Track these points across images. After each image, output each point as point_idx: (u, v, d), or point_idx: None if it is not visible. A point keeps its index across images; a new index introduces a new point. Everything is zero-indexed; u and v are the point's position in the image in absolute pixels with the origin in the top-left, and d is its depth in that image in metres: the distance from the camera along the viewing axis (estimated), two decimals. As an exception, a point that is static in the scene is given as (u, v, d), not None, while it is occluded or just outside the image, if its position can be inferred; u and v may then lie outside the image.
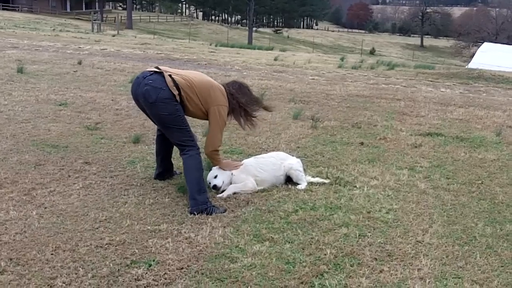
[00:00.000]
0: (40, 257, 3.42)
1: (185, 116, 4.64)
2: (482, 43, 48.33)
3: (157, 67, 4.67)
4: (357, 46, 75.89)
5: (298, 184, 5.08)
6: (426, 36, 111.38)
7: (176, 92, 4.47)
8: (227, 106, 4.72)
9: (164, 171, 5.11)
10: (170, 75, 4.53)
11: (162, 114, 4.47)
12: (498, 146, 7.21)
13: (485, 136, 7.83)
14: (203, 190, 4.41)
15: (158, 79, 4.48)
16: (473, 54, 42.23)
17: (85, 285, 3.14)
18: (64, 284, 3.13)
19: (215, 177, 4.86)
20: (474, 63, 31.74)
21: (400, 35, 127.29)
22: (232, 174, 4.91)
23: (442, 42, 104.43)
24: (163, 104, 4.42)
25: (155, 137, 5.24)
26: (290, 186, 5.07)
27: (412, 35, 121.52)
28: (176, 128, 4.52)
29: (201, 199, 4.34)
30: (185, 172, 4.54)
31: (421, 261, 3.63)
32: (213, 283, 3.24)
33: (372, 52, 64.22)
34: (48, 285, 3.11)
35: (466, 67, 28.55)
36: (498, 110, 10.48)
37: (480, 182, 5.55)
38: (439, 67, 24.36)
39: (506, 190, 5.34)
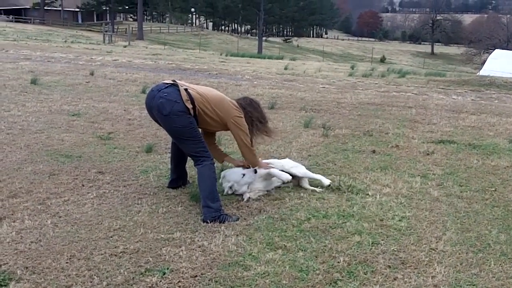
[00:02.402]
0: (56, 265, 3.46)
1: (200, 128, 4.73)
2: (493, 50, 48.05)
3: (173, 80, 4.70)
4: (367, 54, 75.91)
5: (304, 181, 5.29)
6: (437, 43, 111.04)
7: (190, 106, 4.50)
8: (242, 117, 4.76)
9: (178, 177, 5.13)
10: (186, 89, 4.57)
11: (175, 126, 4.50)
12: (511, 153, 7.16)
13: (497, 143, 7.78)
14: (216, 199, 4.43)
15: (173, 92, 4.51)
16: (484, 61, 41.92)
17: (100, 293, 3.16)
18: (79, 292, 3.16)
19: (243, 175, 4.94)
20: (486, 70, 31.51)
21: (410, 43, 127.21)
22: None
23: (452, 50, 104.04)
24: (177, 116, 4.45)
25: (170, 144, 5.28)
26: (302, 194, 5.07)
27: (422, 42, 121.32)
28: (190, 140, 4.54)
29: (215, 207, 4.36)
30: (199, 181, 4.55)
31: (435, 269, 3.62)
32: (227, 291, 3.25)
33: (382, 60, 64.16)
34: (63, 293, 3.14)
35: (478, 74, 28.34)
36: (511, 117, 10.41)
37: (493, 189, 5.52)
38: (450, 74, 24.24)
39: (520, 197, 5.30)
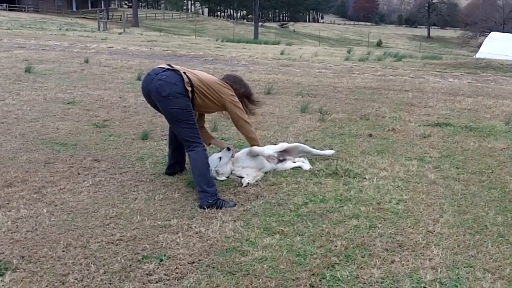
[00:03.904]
0: (52, 254, 3.44)
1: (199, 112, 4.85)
2: (489, 32, 47.90)
3: (169, 65, 4.73)
4: (363, 38, 75.61)
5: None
6: (433, 27, 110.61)
7: (189, 89, 4.56)
8: (235, 94, 4.88)
9: (175, 163, 5.14)
10: (184, 73, 4.62)
11: (173, 108, 4.51)
12: (507, 135, 7.16)
13: (494, 125, 7.78)
14: (211, 184, 4.44)
15: (172, 75, 4.56)
16: (481, 44, 41.80)
17: (97, 281, 3.15)
18: (76, 281, 3.14)
19: (220, 158, 5.03)
20: (482, 53, 31.43)
21: (406, 27, 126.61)
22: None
23: (449, 33, 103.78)
24: (175, 98, 4.48)
25: (166, 131, 5.28)
26: (299, 179, 5.06)
27: (418, 26, 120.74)
28: (185, 123, 4.55)
29: (211, 191, 4.37)
30: (192, 167, 4.57)
31: (433, 251, 3.62)
32: (224, 276, 3.24)
33: (379, 44, 63.85)
34: (60, 282, 3.13)
35: (474, 57, 28.27)
36: (507, 99, 10.41)
37: (490, 171, 5.52)
38: (446, 57, 24.22)
39: (517, 178, 5.30)
